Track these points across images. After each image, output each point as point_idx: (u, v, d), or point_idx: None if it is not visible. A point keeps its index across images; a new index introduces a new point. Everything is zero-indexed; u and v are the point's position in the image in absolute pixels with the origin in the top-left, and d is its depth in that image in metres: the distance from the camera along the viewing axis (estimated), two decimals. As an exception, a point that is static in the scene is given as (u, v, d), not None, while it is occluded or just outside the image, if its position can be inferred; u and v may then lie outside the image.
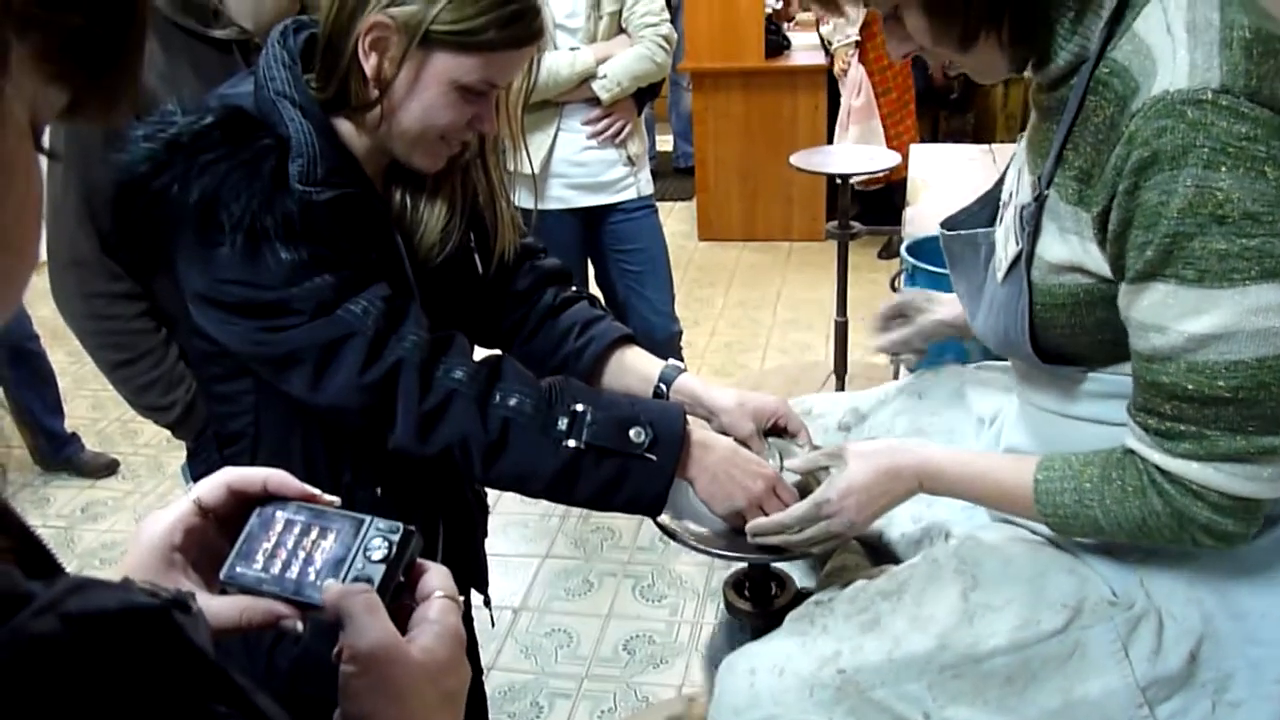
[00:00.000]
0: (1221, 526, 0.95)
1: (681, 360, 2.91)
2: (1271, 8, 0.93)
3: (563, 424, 1.09)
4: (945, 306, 1.37)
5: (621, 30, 2.61)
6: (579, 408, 1.09)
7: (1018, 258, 1.05)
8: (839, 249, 2.52)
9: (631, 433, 1.09)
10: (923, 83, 5.15)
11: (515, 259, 1.33)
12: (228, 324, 1.08)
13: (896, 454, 1.11)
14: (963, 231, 1.19)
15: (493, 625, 2.08)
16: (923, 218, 2.42)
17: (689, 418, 1.17)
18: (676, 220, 5.16)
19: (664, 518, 1.19)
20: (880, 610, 1.09)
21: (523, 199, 2.66)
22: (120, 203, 1.05)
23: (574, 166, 2.65)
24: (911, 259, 1.61)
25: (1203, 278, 0.88)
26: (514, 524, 2.88)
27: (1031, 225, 1.02)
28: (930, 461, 1.11)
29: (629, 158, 2.68)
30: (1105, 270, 0.98)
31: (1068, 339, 1.04)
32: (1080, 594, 1.06)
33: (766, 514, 1.15)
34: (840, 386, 2.68)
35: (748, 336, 3.99)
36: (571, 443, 1.08)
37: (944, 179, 2.70)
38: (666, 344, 2.84)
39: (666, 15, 2.64)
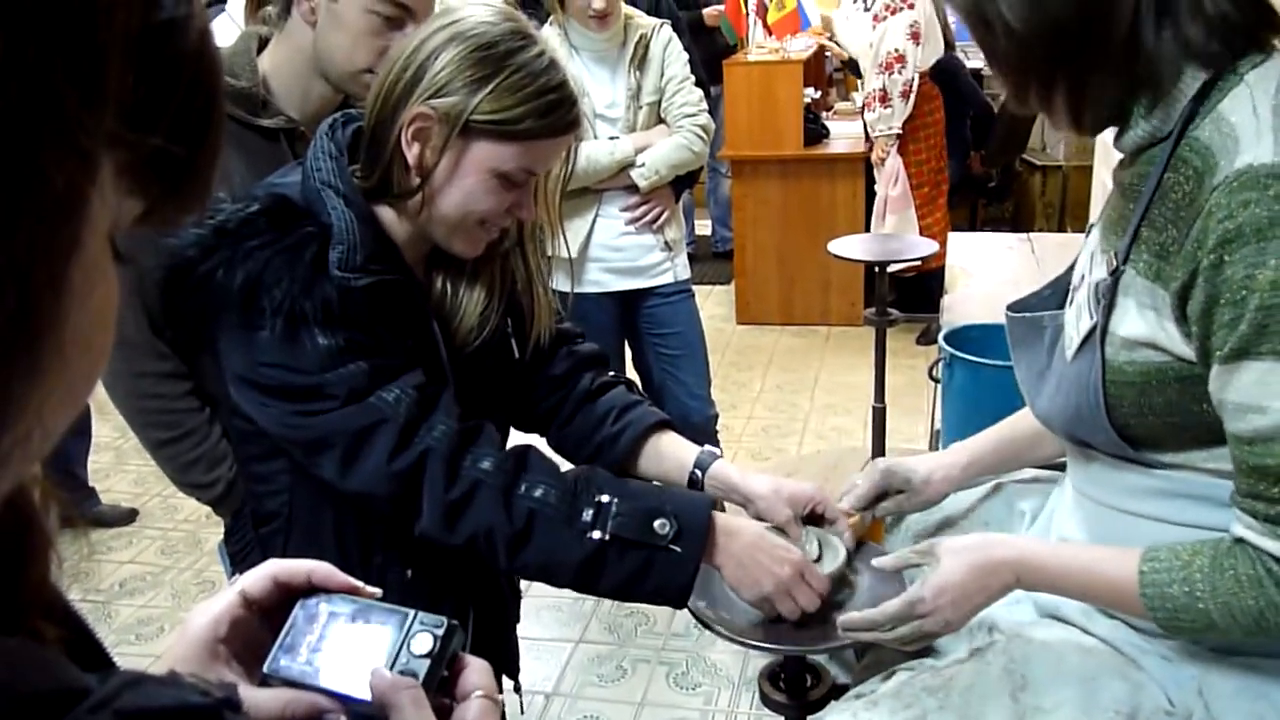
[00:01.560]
0: None
1: (718, 445, 2.91)
2: None
3: (588, 515, 1.09)
4: (930, 486, 1.32)
5: (660, 120, 2.67)
6: (604, 499, 1.09)
7: (1091, 332, 1.04)
8: (877, 335, 2.51)
9: (656, 524, 1.08)
10: (960, 172, 5.20)
11: (552, 343, 1.34)
12: (264, 406, 1.10)
13: (992, 549, 1.08)
14: (1028, 314, 1.19)
15: (522, 711, 2.05)
16: (961, 305, 2.42)
17: (717, 503, 1.16)
18: (715, 304, 5.19)
19: (699, 605, 1.18)
20: (927, 707, 1.07)
21: (560, 282, 2.73)
22: (168, 285, 1.09)
23: (612, 251, 2.69)
24: (949, 348, 1.61)
25: None
26: (547, 608, 2.85)
27: (1107, 299, 1.02)
28: (1029, 555, 1.07)
29: (666, 243, 2.72)
30: (1180, 349, 0.97)
31: (1135, 419, 1.02)
32: (1134, 700, 1.03)
33: (795, 601, 1.12)
34: (878, 473, 2.66)
35: (785, 421, 3.97)
36: (596, 534, 1.08)
37: (982, 267, 2.70)
38: (703, 428, 2.84)
39: (704, 106, 2.69)
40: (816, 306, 4.92)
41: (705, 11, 5.17)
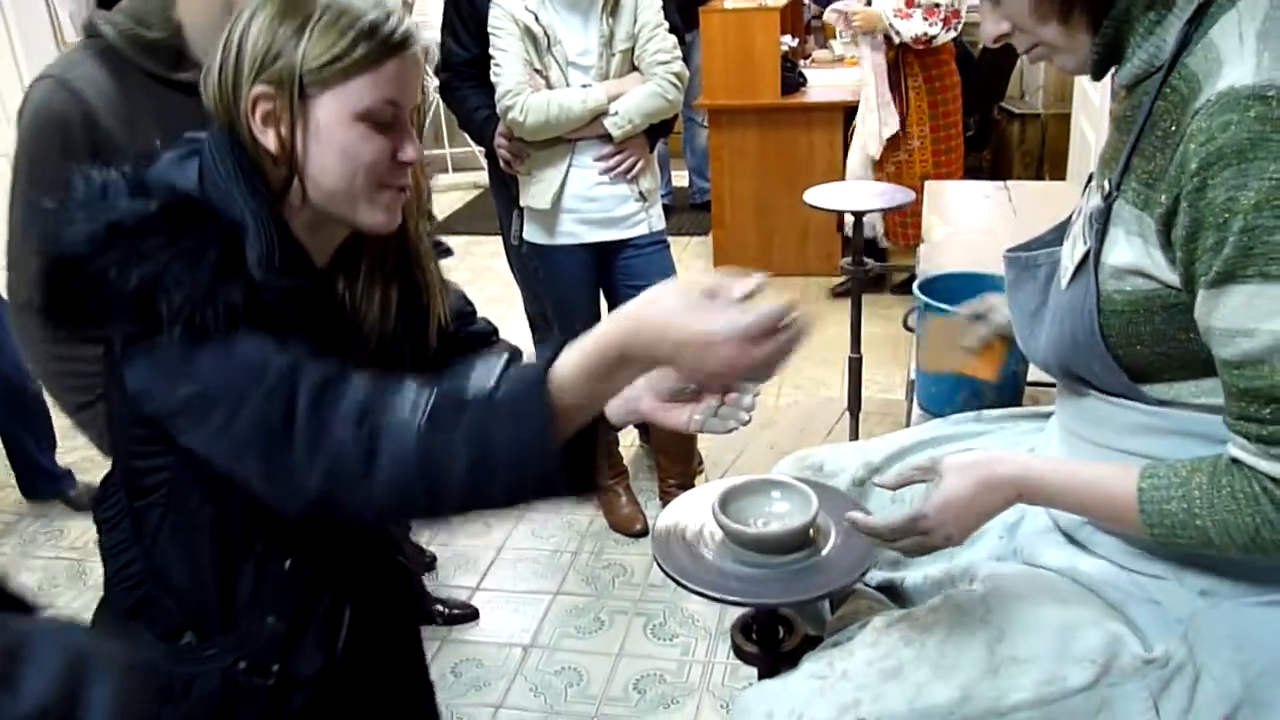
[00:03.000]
0: None
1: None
2: None
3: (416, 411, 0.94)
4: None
5: (634, 68, 2.62)
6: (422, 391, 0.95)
7: (1085, 259, 1.04)
8: (853, 285, 2.50)
9: (473, 378, 0.93)
10: (939, 119, 5.16)
11: (453, 324, 1.26)
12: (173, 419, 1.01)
13: (994, 465, 1.08)
14: (1022, 254, 1.18)
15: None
16: (937, 254, 2.40)
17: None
18: (692, 255, 5.16)
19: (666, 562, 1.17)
20: (903, 657, 1.07)
21: (535, 234, 2.70)
22: (54, 278, 0.99)
23: (586, 202, 2.65)
24: (924, 297, 1.60)
25: None
26: (525, 559, 2.85)
27: (1099, 226, 1.02)
28: (1031, 471, 1.07)
29: (641, 193, 2.69)
30: (1167, 275, 0.97)
31: (1124, 349, 1.02)
32: (1111, 650, 1.03)
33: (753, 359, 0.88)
34: (855, 423, 2.66)
35: (762, 372, 3.96)
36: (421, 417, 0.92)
37: (958, 216, 2.68)
38: (679, 380, 2.83)
39: (679, 53, 2.64)
40: (794, 257, 4.90)
41: None
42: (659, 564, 1.17)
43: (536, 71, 2.56)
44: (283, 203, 1.05)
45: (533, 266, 2.80)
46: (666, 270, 2.77)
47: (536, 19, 2.52)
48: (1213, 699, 0.99)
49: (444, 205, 6.41)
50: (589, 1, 2.55)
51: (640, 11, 2.58)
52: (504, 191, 2.88)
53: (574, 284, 2.73)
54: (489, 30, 2.58)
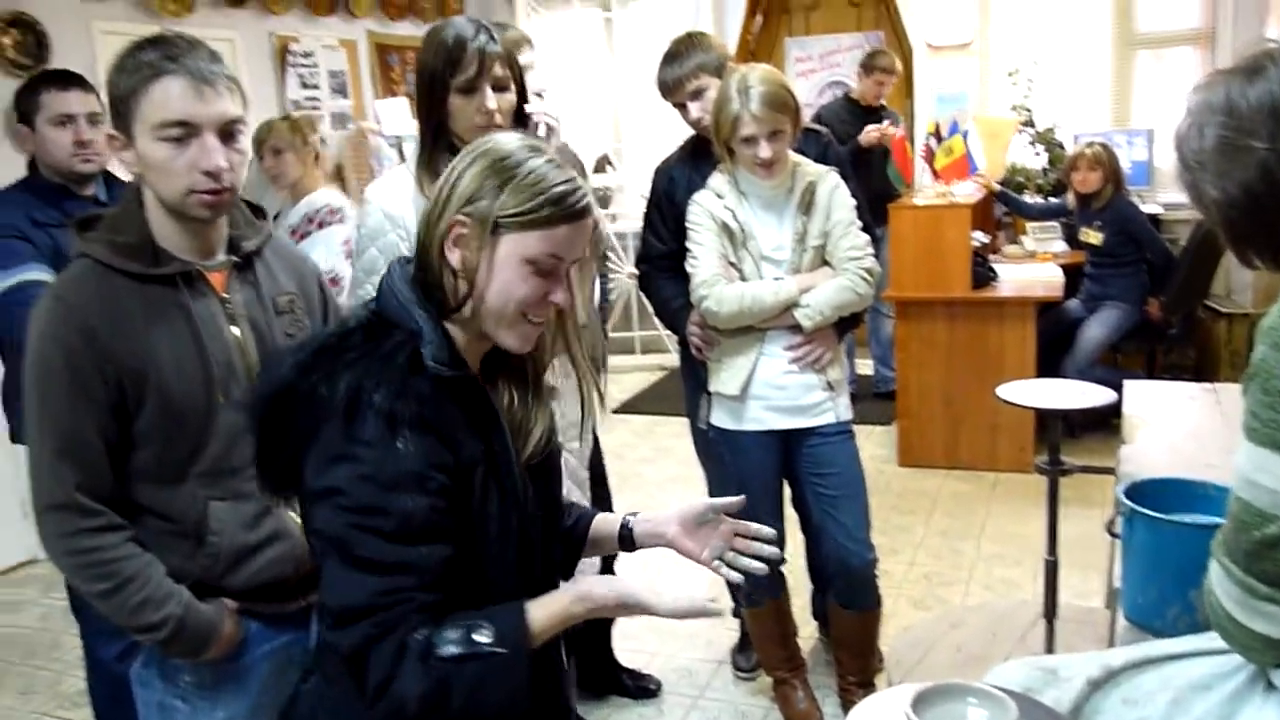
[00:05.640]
0: None
1: (878, 591, 2.82)
2: None
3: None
4: None
5: (825, 262, 2.70)
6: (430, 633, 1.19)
7: None
8: (1049, 484, 2.42)
9: (475, 636, 1.19)
10: (1138, 317, 5.02)
11: None
12: (335, 499, 1.20)
13: None
14: None
15: None
16: (1140, 457, 2.31)
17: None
18: (875, 444, 5.10)
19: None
20: None
21: (722, 418, 2.75)
22: (268, 414, 1.24)
23: (774, 390, 2.70)
24: (1130, 503, 1.54)
25: None
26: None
27: None
28: None
29: (829, 383, 2.72)
30: None
31: None
32: None
33: None
34: (1050, 630, 2.52)
35: (949, 569, 3.83)
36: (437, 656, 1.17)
37: (1162, 417, 2.58)
38: (861, 572, 2.77)
39: (871, 250, 2.71)
40: (983, 451, 4.78)
41: (864, 134, 5.20)
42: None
43: (731, 264, 2.68)
44: (451, 313, 1.28)
45: (719, 451, 2.84)
46: (852, 458, 2.76)
47: (733, 215, 2.65)
48: None
49: (629, 386, 6.61)
50: (784, 201, 2.67)
51: (834, 209, 2.67)
52: (694, 377, 2.96)
53: (759, 469, 2.75)
54: (687, 225, 2.73)
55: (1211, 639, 1.31)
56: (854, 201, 2.73)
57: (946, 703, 1.17)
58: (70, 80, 2.67)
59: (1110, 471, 2.42)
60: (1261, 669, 1.17)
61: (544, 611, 1.24)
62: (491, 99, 2.07)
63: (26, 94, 2.64)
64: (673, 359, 6.54)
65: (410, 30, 6.42)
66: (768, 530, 1.49)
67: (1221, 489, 1.50)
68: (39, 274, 2.36)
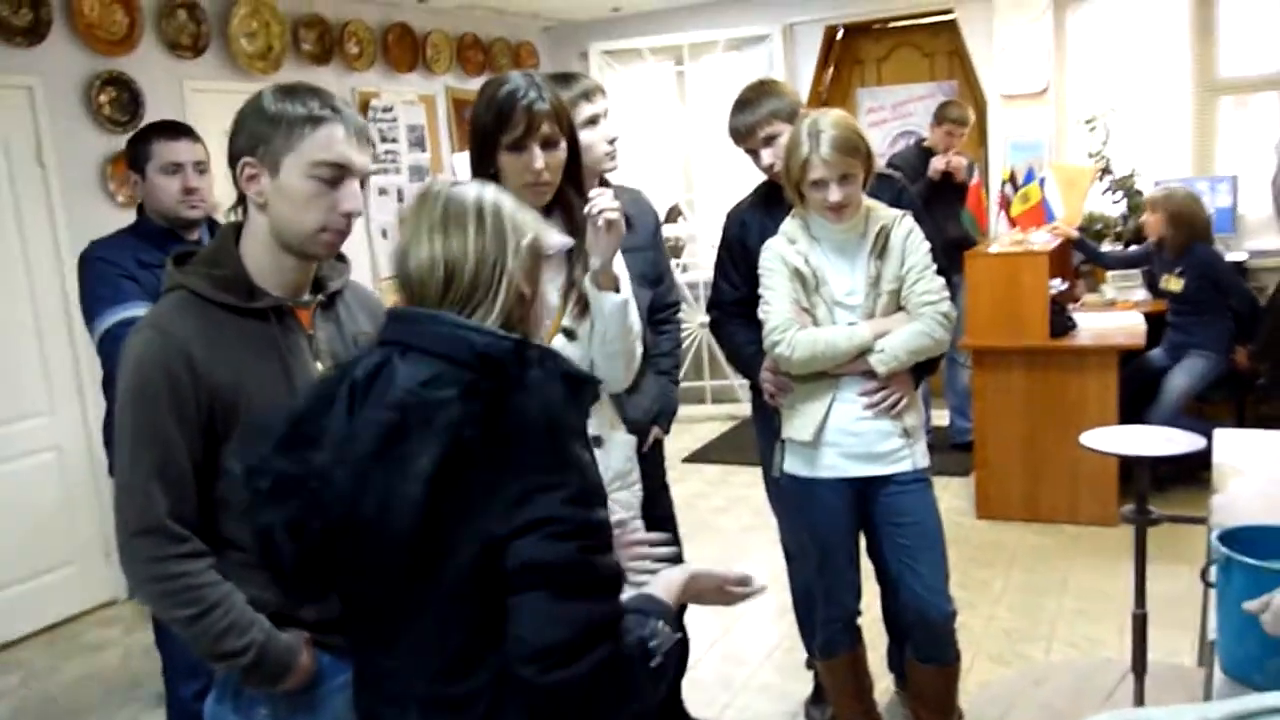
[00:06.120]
0: None
1: (957, 646, 2.74)
2: None
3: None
4: None
5: (900, 308, 2.67)
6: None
7: None
8: (1136, 534, 2.35)
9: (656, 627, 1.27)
10: (1225, 366, 4.87)
11: None
12: (545, 535, 1.19)
13: None
14: None
15: None
16: (1233, 505, 2.23)
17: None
18: (952, 496, 5.00)
19: None
20: None
21: (796, 465, 2.72)
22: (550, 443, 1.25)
23: (848, 436, 2.66)
24: (1225, 549, 1.48)
25: None
26: None
27: None
28: None
29: (905, 430, 2.67)
30: None
31: None
32: None
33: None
34: (1139, 687, 2.42)
35: (1029, 625, 3.71)
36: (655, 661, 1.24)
37: (1254, 465, 2.49)
38: (940, 625, 2.70)
39: (947, 294, 2.67)
40: (1064, 503, 4.65)
41: (930, 168, 5.16)
42: None
43: (804, 310, 2.66)
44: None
45: (792, 499, 2.80)
46: (929, 508, 2.70)
47: (806, 260, 2.64)
48: None
49: (701, 435, 6.59)
50: (857, 245, 2.65)
51: (908, 254, 2.65)
52: (766, 424, 2.94)
53: (834, 517, 2.71)
54: (759, 271, 2.73)
55: None
56: (928, 245, 2.70)
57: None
58: (180, 131, 2.80)
59: (1201, 521, 2.34)
60: None
61: (667, 597, 1.35)
62: (539, 158, 2.08)
63: (138, 143, 2.78)
64: (744, 408, 6.51)
65: (486, 86, 6.58)
66: (659, 536, 1.62)
67: (1322, 536, 1.44)
68: (144, 310, 2.46)
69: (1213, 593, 1.74)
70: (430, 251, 1.32)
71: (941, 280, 2.68)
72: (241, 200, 1.63)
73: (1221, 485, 2.45)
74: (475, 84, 6.60)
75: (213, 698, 1.67)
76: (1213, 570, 1.54)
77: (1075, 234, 5.32)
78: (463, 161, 5.60)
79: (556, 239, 1.82)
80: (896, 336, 2.61)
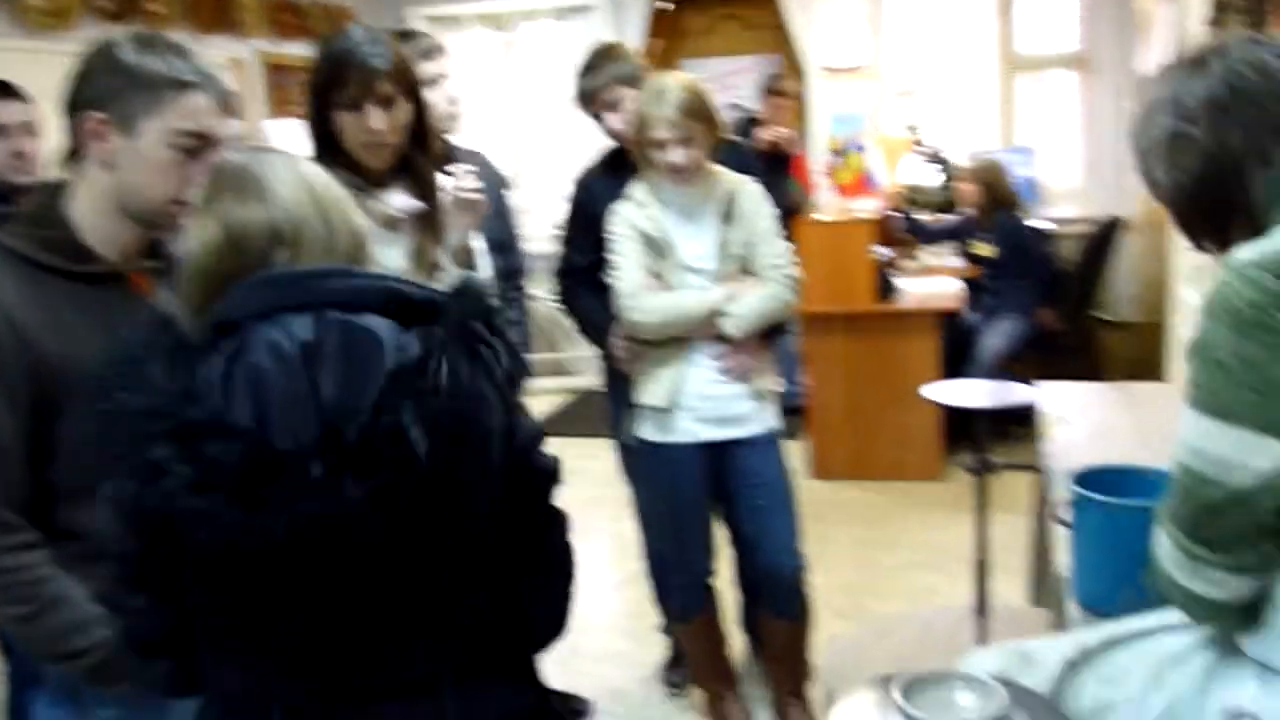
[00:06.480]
0: None
1: (806, 600, 2.81)
2: None
3: None
4: None
5: (748, 272, 2.69)
6: None
7: None
8: (977, 485, 2.46)
9: None
10: (1033, 327, 5.19)
11: None
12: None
13: None
14: None
15: None
16: (1065, 452, 2.36)
17: None
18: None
19: None
20: None
21: (651, 432, 2.71)
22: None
23: (703, 401, 2.68)
24: (1081, 489, 1.56)
25: None
26: None
27: None
28: None
29: (757, 392, 2.71)
30: None
31: None
32: None
33: None
34: (982, 629, 2.55)
35: (868, 579, 3.86)
36: None
37: (1076, 416, 2.66)
38: (793, 581, 2.76)
39: (794, 259, 2.72)
40: (893, 461, 4.85)
41: (760, 133, 5.26)
42: None
43: (654, 275, 2.65)
44: None
45: (647, 466, 2.80)
46: (781, 468, 2.75)
47: (655, 225, 2.63)
48: None
49: (536, 410, 6.52)
50: (705, 210, 2.66)
51: (756, 219, 2.67)
52: (619, 392, 2.92)
53: (689, 481, 2.72)
54: (608, 236, 2.70)
55: (1179, 614, 1.33)
56: (775, 211, 2.74)
57: (934, 690, 1.15)
58: (5, 91, 2.55)
59: (1035, 469, 2.47)
60: (1234, 640, 1.19)
61: None
62: (377, 118, 1.99)
63: None
64: (579, 381, 6.50)
65: (306, 51, 6.27)
66: None
67: (1162, 473, 1.53)
68: None
69: (1059, 534, 1.84)
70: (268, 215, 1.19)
71: (788, 245, 2.73)
72: (75, 153, 1.47)
73: (1047, 434, 2.60)
74: (292, 49, 6.28)
75: (46, 701, 1.53)
76: (1066, 510, 1.62)
77: (903, 212, 5.54)
78: (276, 129, 5.32)
79: (402, 201, 1.74)
80: (747, 300, 2.64)
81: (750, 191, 2.69)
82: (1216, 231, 1.22)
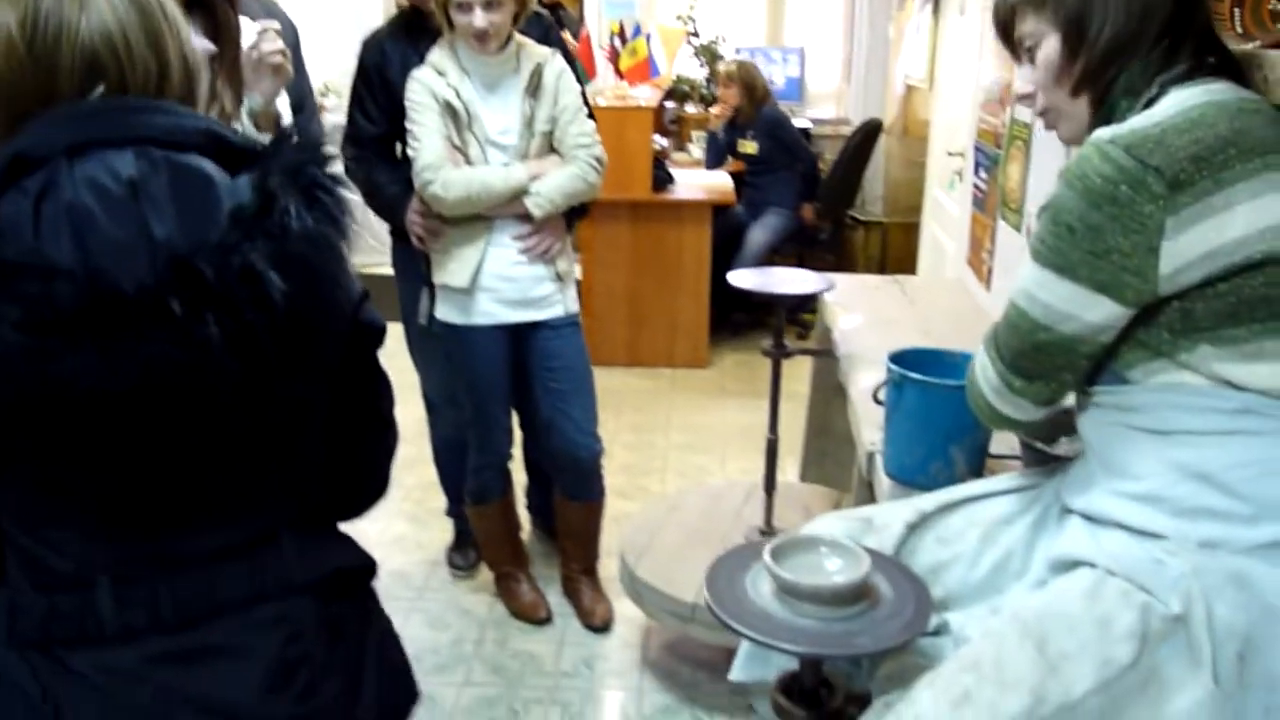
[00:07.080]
0: None
1: (603, 483, 2.86)
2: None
3: None
4: None
5: (553, 150, 2.64)
6: None
7: None
8: (773, 368, 2.56)
9: None
10: (794, 222, 5.42)
11: None
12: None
13: None
14: None
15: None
16: (854, 337, 2.50)
17: None
18: (559, 346, 5.16)
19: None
20: (965, 683, 1.10)
21: (449, 313, 2.63)
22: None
23: (504, 282, 2.62)
24: (899, 368, 1.65)
25: None
26: (425, 651, 2.72)
27: None
28: None
29: (558, 274, 2.67)
30: None
31: None
32: (1144, 621, 1.10)
33: None
34: (769, 503, 2.69)
35: (644, 460, 3.98)
36: None
37: (858, 304, 2.81)
38: (591, 465, 2.80)
39: (599, 139, 2.68)
40: (663, 348, 4.98)
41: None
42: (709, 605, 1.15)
43: (456, 148, 2.54)
44: None
45: (446, 348, 2.72)
46: (580, 351, 2.75)
47: (457, 94, 2.51)
48: (1225, 638, 1.07)
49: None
50: (510, 82, 2.56)
51: (561, 95, 2.60)
52: (411, 270, 2.81)
53: (490, 364, 2.68)
54: (406, 104, 2.55)
55: (1006, 480, 1.45)
56: (580, 87, 2.68)
57: (800, 554, 1.20)
58: None
59: (828, 353, 2.60)
60: (1056, 500, 1.31)
61: None
62: None
63: None
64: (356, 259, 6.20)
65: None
66: None
67: (965, 356, 1.65)
68: None
69: (866, 413, 1.95)
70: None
71: (594, 124, 2.68)
72: None
73: (832, 322, 2.74)
74: None
75: None
76: (884, 390, 1.72)
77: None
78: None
79: (196, 42, 1.55)
80: (552, 179, 2.59)
81: (556, 65, 2.61)
82: (1106, 81, 1.23)
